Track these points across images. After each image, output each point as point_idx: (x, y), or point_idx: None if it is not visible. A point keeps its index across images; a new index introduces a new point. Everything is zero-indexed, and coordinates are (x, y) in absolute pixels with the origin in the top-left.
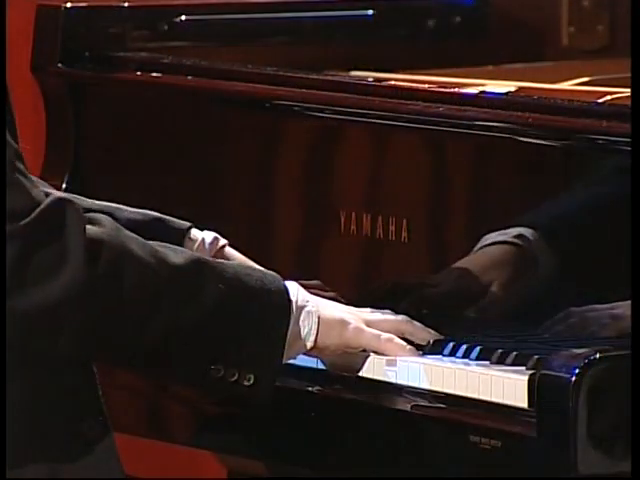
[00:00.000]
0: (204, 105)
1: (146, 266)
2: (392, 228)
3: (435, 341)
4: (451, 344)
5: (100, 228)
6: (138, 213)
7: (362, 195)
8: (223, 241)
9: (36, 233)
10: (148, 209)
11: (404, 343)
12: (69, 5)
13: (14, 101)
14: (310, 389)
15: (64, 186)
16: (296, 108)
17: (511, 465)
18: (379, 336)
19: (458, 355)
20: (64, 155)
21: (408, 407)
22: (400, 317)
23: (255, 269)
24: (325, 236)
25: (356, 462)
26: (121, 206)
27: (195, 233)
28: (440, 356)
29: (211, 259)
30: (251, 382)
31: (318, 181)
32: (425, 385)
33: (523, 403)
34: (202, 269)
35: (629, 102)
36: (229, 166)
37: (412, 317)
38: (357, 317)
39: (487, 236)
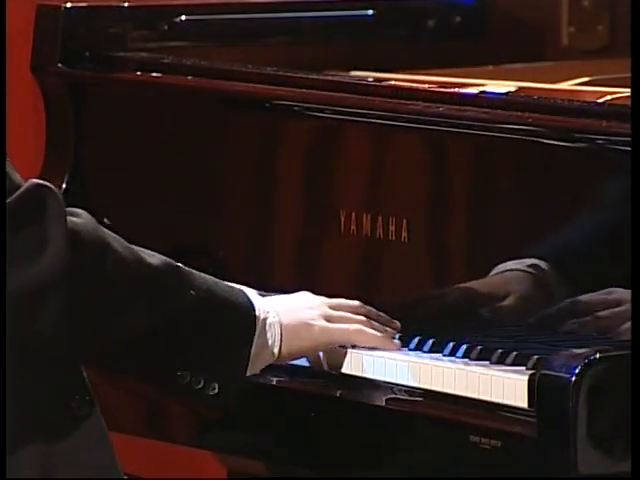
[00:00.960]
0: (204, 105)
1: (124, 260)
2: (392, 228)
3: (435, 341)
4: (451, 344)
5: (79, 219)
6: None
7: (362, 195)
8: None
9: (16, 216)
10: (147, 208)
11: (375, 332)
12: (69, 5)
13: (14, 101)
14: (310, 389)
15: (64, 186)
16: (296, 108)
17: (511, 465)
18: (347, 329)
19: (458, 355)
20: (64, 155)
21: (408, 407)
22: (357, 316)
23: (221, 281)
24: (325, 236)
25: (356, 462)
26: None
27: None
28: (440, 356)
29: (182, 266)
30: (215, 391)
31: (318, 181)
32: (425, 385)
33: (523, 403)
34: (176, 273)
35: (629, 102)
36: (229, 166)
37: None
38: (319, 314)
39: (501, 265)
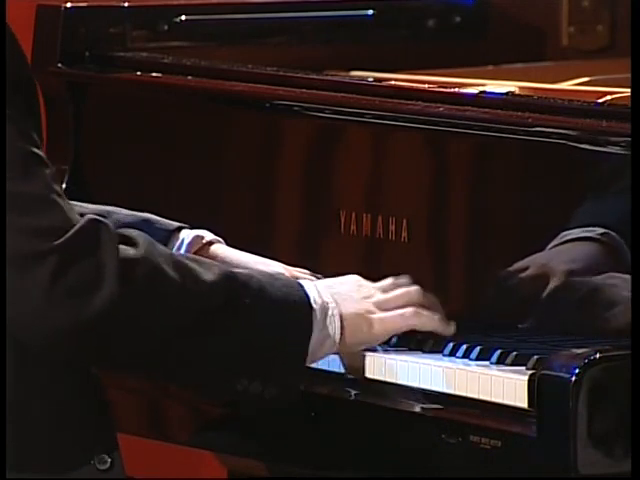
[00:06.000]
0: (204, 105)
1: (179, 287)
2: (392, 228)
3: (435, 341)
4: (451, 344)
5: (134, 249)
6: (129, 215)
7: (362, 195)
8: (209, 238)
9: (72, 250)
10: (148, 209)
11: (430, 313)
12: (69, 5)
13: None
14: (310, 389)
15: (64, 186)
16: (296, 108)
17: (511, 465)
18: (403, 315)
19: (458, 355)
20: (64, 155)
21: (408, 407)
22: (413, 288)
23: (276, 277)
24: (325, 236)
25: (356, 462)
26: (114, 208)
27: (181, 233)
28: (440, 356)
29: (238, 271)
30: (274, 393)
31: (318, 181)
32: (425, 385)
33: (523, 403)
34: (231, 285)
35: (629, 102)
36: (229, 166)
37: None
38: (375, 302)
39: (567, 232)
